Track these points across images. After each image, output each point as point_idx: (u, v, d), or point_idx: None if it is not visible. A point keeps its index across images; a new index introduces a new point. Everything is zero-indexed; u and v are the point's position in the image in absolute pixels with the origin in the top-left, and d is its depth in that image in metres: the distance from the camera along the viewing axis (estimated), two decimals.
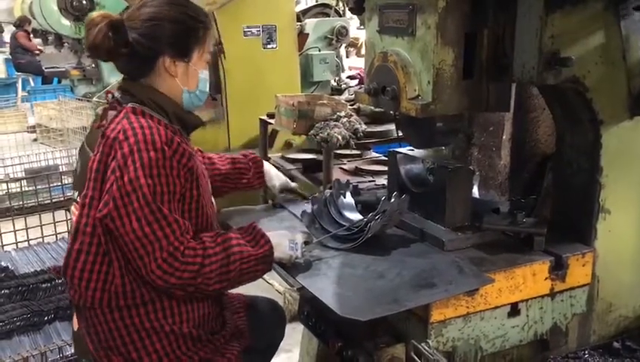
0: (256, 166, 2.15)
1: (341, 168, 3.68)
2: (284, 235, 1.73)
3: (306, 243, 1.76)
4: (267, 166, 2.21)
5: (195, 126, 1.81)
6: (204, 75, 1.78)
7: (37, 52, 9.57)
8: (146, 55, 1.67)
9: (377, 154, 3.93)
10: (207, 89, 1.81)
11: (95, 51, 1.65)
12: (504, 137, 2.12)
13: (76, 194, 1.73)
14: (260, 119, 4.15)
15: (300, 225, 1.97)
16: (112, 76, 5.32)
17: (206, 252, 1.58)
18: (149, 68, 1.69)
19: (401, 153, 2.10)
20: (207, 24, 1.75)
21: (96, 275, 1.63)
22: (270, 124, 4.01)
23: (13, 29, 10.31)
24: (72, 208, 1.74)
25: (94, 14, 1.67)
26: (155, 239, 1.53)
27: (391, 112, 1.76)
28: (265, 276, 3.80)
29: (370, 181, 3.25)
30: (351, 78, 6.97)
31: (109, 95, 1.73)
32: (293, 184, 2.27)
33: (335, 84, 6.22)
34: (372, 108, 3.31)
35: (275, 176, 2.21)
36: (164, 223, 1.54)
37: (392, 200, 1.83)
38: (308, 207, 2.00)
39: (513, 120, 2.09)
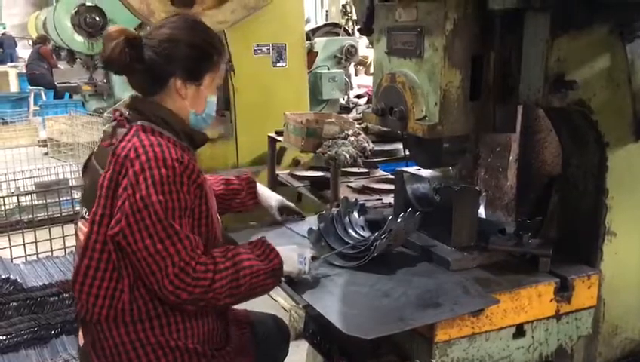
0: (249, 186, 2.17)
1: (348, 186, 3.71)
2: (293, 250, 1.76)
3: (313, 258, 1.78)
4: (261, 187, 2.23)
5: (202, 142, 1.83)
6: (213, 99, 1.81)
7: (55, 68, 9.68)
8: (159, 74, 1.70)
9: (385, 173, 3.95)
10: (214, 112, 1.84)
11: (110, 65, 1.69)
12: (511, 158, 2.13)
13: (85, 211, 1.73)
14: (269, 136, 4.18)
15: (306, 243, 1.98)
16: (123, 92, 5.38)
17: (217, 267, 1.60)
18: (160, 86, 1.72)
19: (407, 172, 2.10)
20: (221, 51, 1.79)
21: (105, 291, 1.64)
22: (279, 141, 4.04)
23: (27, 44, 10.46)
24: (80, 225, 1.75)
25: (112, 28, 1.70)
26: (168, 255, 1.55)
27: (401, 133, 1.77)
28: (271, 293, 3.81)
29: (377, 199, 3.30)
30: (359, 96, 7.03)
31: (117, 113, 1.76)
32: (289, 203, 2.28)
33: (344, 102, 6.27)
34: (380, 127, 3.33)
35: (270, 196, 2.23)
36: (176, 239, 1.56)
37: (399, 219, 1.84)
38: (315, 225, 2.01)
39: (520, 141, 2.11)
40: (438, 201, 1.99)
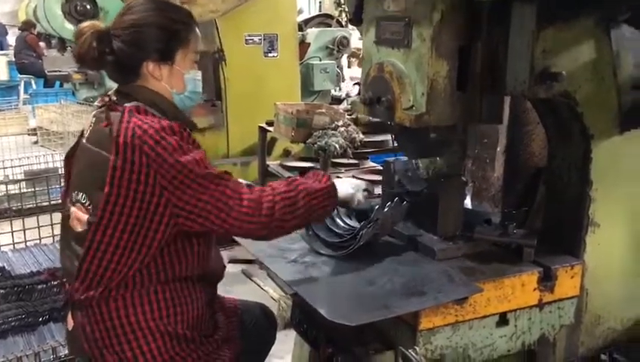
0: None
1: (338, 177, 3.65)
2: (346, 180, 1.85)
3: (367, 191, 1.85)
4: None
5: (190, 129, 1.82)
6: (193, 75, 1.80)
7: (43, 56, 9.61)
8: (130, 62, 1.71)
9: (374, 164, 3.95)
10: (200, 88, 1.84)
11: (82, 61, 1.71)
12: (498, 150, 2.14)
13: (81, 195, 1.70)
14: (259, 127, 4.17)
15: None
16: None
17: (275, 190, 1.67)
18: (134, 74, 1.73)
19: (396, 162, 2.10)
20: (189, 25, 1.77)
21: (109, 272, 1.65)
22: (269, 131, 4.03)
23: (17, 31, 10.38)
24: (75, 209, 1.72)
25: (83, 25, 1.72)
26: (225, 196, 1.60)
27: (388, 122, 1.79)
28: (260, 282, 3.82)
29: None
30: (359, 84, 7.03)
31: (106, 98, 1.76)
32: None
33: (335, 93, 6.27)
34: (370, 118, 3.33)
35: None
36: (224, 182, 1.61)
37: (386, 209, 1.86)
38: None
39: (508, 133, 2.13)
40: (425, 191, 1.99)
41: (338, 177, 2.04)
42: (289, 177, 1.76)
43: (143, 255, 1.64)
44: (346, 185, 1.80)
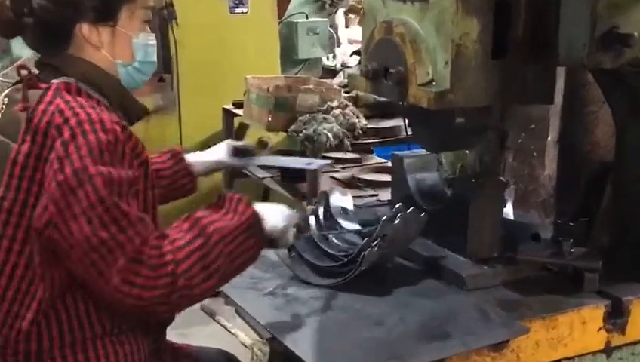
0: (176, 161, 2.18)
1: (333, 177, 3.72)
2: (274, 208, 1.76)
3: (298, 227, 1.77)
4: (190, 156, 2.23)
5: (139, 116, 1.83)
6: (143, 39, 1.80)
7: None
8: (57, 24, 1.70)
9: (382, 160, 3.96)
10: (154, 57, 1.84)
11: None
12: (549, 139, 2.14)
13: None
14: (224, 109, 4.17)
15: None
16: (23, 48, 5.31)
17: (175, 244, 1.59)
18: (64, 40, 1.72)
19: (411, 157, 2.12)
20: None
21: (7, 305, 1.63)
22: (237, 115, 4.01)
23: None
24: None
25: None
26: (117, 245, 1.52)
27: (399, 103, 1.80)
28: (228, 326, 3.79)
29: (371, 195, 3.32)
30: (358, 53, 7.01)
31: (23, 70, 1.74)
32: (238, 143, 2.29)
33: (328, 62, 6.22)
34: (375, 97, 3.34)
35: (207, 153, 2.26)
36: (126, 223, 1.54)
37: (397, 221, 1.83)
38: None
39: (562, 116, 2.13)
40: (450, 196, 2.01)
41: (266, 196, 2.03)
42: (187, 216, 1.66)
43: (39, 298, 1.61)
44: (276, 216, 1.72)
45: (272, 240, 1.71)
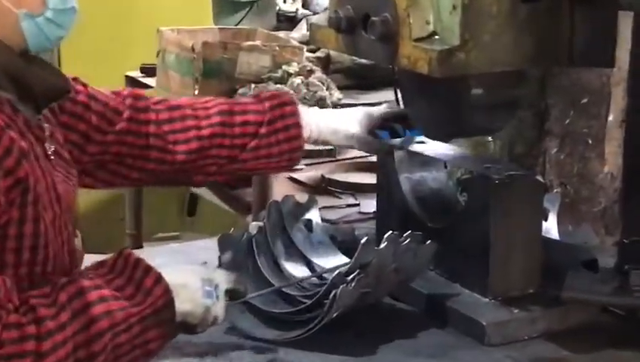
0: (281, 113, 1.91)
1: (291, 178, 3.30)
2: (194, 272, 1.62)
3: (231, 293, 1.61)
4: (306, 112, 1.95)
5: (51, 96, 1.62)
6: None
7: None
8: None
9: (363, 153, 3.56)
10: (73, 2, 1.63)
11: None
12: (610, 119, 1.96)
13: None
14: (127, 76, 3.98)
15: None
16: None
17: (42, 328, 1.42)
18: None
19: (402, 148, 1.91)
20: None
21: None
22: (147, 87, 3.70)
23: None
24: None
25: None
26: None
27: (389, 66, 1.66)
28: None
29: (348, 205, 2.96)
30: None
31: None
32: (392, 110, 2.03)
33: (285, 6, 5.74)
34: (352, 58, 3.18)
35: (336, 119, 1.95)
36: None
37: (383, 244, 1.60)
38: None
39: (629, 85, 1.89)
40: (464, 207, 1.83)
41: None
42: (68, 280, 1.48)
43: None
44: (193, 289, 1.56)
45: (187, 328, 1.56)
